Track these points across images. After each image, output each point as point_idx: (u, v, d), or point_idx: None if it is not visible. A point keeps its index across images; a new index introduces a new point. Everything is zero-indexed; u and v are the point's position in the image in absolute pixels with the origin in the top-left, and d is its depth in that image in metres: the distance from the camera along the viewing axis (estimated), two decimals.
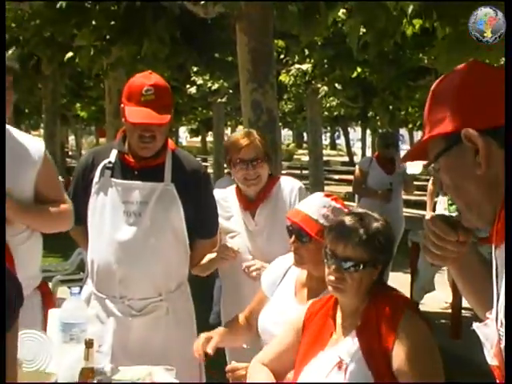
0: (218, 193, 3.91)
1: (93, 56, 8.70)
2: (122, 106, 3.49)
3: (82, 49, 8.98)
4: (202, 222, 3.60)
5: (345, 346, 2.60)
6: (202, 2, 6.96)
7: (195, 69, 15.81)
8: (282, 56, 14.09)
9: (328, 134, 54.33)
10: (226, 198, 3.94)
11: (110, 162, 3.50)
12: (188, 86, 18.95)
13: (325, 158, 22.73)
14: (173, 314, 3.51)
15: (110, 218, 3.44)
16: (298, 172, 28.67)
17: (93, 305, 3.49)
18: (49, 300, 3.50)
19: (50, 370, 2.82)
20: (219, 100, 21.82)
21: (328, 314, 2.75)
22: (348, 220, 2.67)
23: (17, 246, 3.27)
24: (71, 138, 48.56)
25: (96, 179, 3.49)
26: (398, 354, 2.47)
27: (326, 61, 13.83)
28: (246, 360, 3.13)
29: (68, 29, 8.88)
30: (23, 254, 3.29)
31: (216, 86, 19.58)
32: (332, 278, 2.62)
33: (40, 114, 18.61)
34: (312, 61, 14.68)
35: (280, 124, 9.65)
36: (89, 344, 2.68)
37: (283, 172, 30.90)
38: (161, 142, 3.49)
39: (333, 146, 56.88)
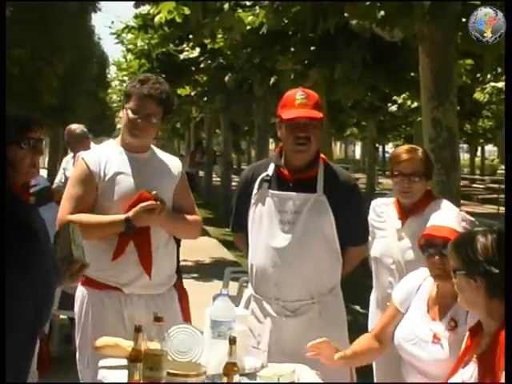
0: (376, 200, 3.83)
1: (293, 79, 8.67)
2: (278, 120, 3.38)
3: (284, 72, 8.99)
4: (352, 230, 3.40)
5: (469, 371, 2.41)
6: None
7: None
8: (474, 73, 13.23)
9: None
10: (381, 204, 3.77)
11: (267, 175, 3.41)
12: (389, 104, 18.46)
13: None
14: (325, 316, 3.33)
15: (267, 226, 3.34)
16: (496, 186, 25.39)
17: (252, 306, 3.40)
18: (183, 294, 3.54)
19: (200, 362, 2.74)
20: (419, 118, 21.13)
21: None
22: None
23: (158, 249, 3.33)
24: None
25: (255, 191, 3.41)
26: None
27: None
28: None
29: (273, 55, 8.94)
30: (163, 257, 3.37)
31: (416, 104, 18.95)
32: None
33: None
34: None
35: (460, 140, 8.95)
36: (232, 341, 2.56)
37: (481, 187, 28.10)
38: (315, 146, 3.33)
39: None
